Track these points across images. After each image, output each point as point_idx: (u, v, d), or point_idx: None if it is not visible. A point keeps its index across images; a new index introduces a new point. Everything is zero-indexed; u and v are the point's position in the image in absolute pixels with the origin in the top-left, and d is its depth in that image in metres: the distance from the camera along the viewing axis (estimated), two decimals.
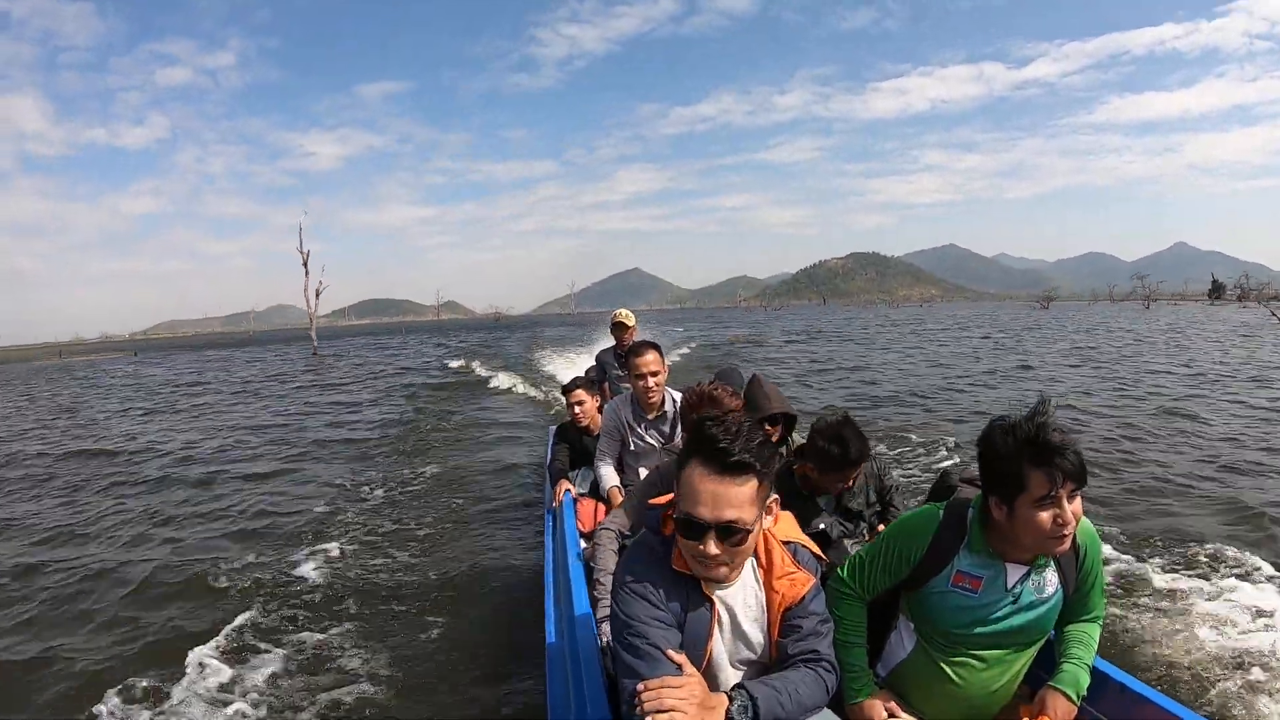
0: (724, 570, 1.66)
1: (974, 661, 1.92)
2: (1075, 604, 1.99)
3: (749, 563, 1.79)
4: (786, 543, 1.84)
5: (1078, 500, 1.74)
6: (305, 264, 39.72)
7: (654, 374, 3.84)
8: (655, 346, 3.95)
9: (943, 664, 1.94)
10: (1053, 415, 1.76)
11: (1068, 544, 1.77)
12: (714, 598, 1.73)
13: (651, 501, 1.94)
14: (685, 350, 26.97)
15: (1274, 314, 37.14)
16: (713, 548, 1.59)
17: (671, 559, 1.73)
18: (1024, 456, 1.71)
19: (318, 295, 40.58)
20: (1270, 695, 3.22)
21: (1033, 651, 1.97)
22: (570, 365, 21.14)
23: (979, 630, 1.90)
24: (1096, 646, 2.00)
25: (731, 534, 1.60)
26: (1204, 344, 24.37)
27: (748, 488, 1.60)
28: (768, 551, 1.80)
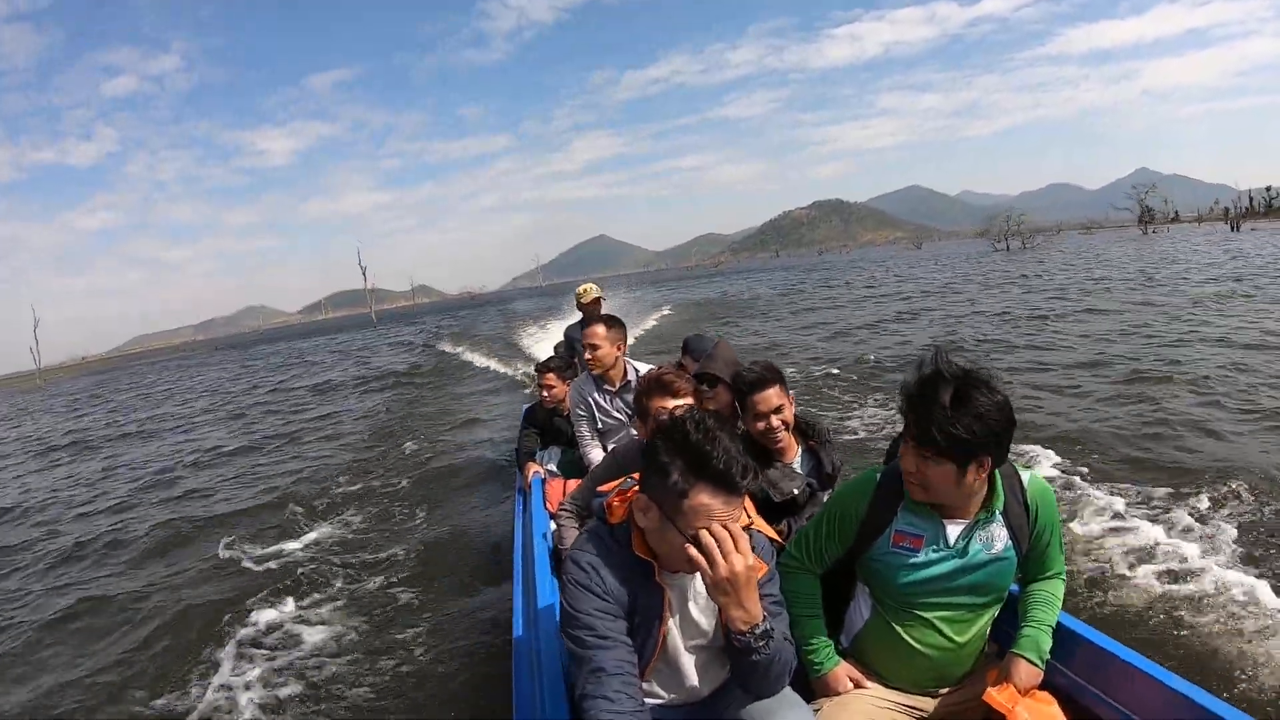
0: None
1: (929, 623, 1.90)
2: (1033, 562, 1.97)
3: None
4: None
5: (938, 465, 1.73)
6: (364, 274, 73.17)
7: (596, 347, 3.83)
8: (606, 320, 3.91)
9: (898, 628, 1.93)
10: (930, 367, 1.76)
11: (914, 493, 1.83)
12: (664, 584, 1.70)
13: (599, 488, 1.89)
14: (664, 313, 26.95)
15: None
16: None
17: (620, 546, 1.69)
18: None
19: (371, 293, 79.42)
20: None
21: (992, 611, 1.96)
22: (546, 334, 21.24)
23: (929, 590, 1.89)
24: (1060, 604, 1.98)
25: None
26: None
27: (746, 501, 1.68)
28: None
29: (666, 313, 26.38)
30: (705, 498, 1.53)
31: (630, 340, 4.21)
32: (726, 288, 46.22)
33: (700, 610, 1.76)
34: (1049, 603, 1.96)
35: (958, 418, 1.65)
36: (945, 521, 1.86)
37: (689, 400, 2.62)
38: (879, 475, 1.95)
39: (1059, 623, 1.97)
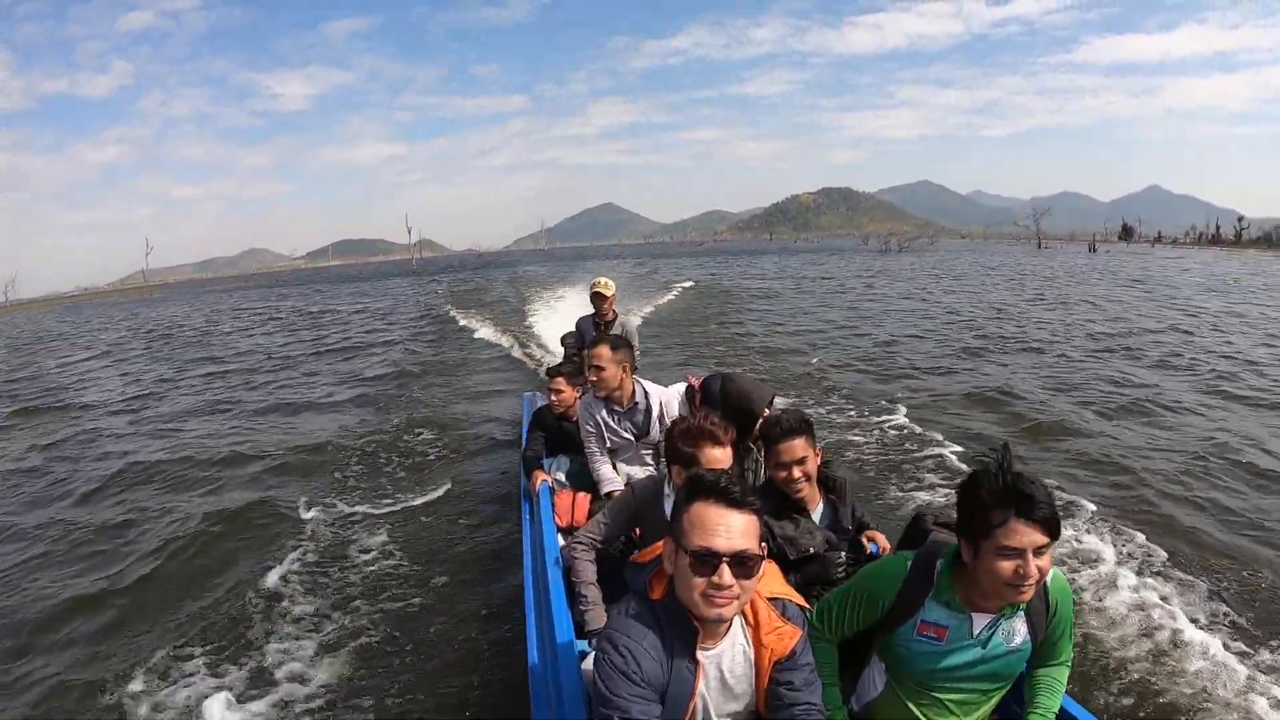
0: (732, 607, 1.71)
1: (942, 704, 1.99)
2: (1044, 650, 2.05)
3: (738, 621, 1.84)
4: (773, 599, 1.88)
5: (1047, 556, 1.77)
6: (409, 231, 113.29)
7: (600, 369, 3.86)
8: (611, 341, 3.93)
9: (911, 704, 2.02)
10: (1011, 461, 1.79)
11: (1029, 595, 1.80)
12: (701, 660, 1.78)
13: (634, 559, 1.95)
14: (672, 295, 26.40)
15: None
16: (727, 577, 1.66)
17: (659, 622, 1.76)
18: (997, 503, 1.75)
19: (418, 248, 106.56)
20: None
21: (1002, 694, 2.05)
22: (553, 313, 20.89)
23: (947, 676, 1.96)
24: (1063, 690, 2.08)
25: (744, 563, 1.68)
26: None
27: (752, 522, 1.72)
28: (754, 609, 1.85)
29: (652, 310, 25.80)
30: (698, 505, 1.71)
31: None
32: (665, 263, 54.52)
33: (736, 679, 1.84)
34: (1053, 689, 2.06)
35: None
36: (974, 615, 1.93)
37: (729, 449, 2.64)
38: (909, 564, 2.01)
39: (1062, 707, 2.07)
